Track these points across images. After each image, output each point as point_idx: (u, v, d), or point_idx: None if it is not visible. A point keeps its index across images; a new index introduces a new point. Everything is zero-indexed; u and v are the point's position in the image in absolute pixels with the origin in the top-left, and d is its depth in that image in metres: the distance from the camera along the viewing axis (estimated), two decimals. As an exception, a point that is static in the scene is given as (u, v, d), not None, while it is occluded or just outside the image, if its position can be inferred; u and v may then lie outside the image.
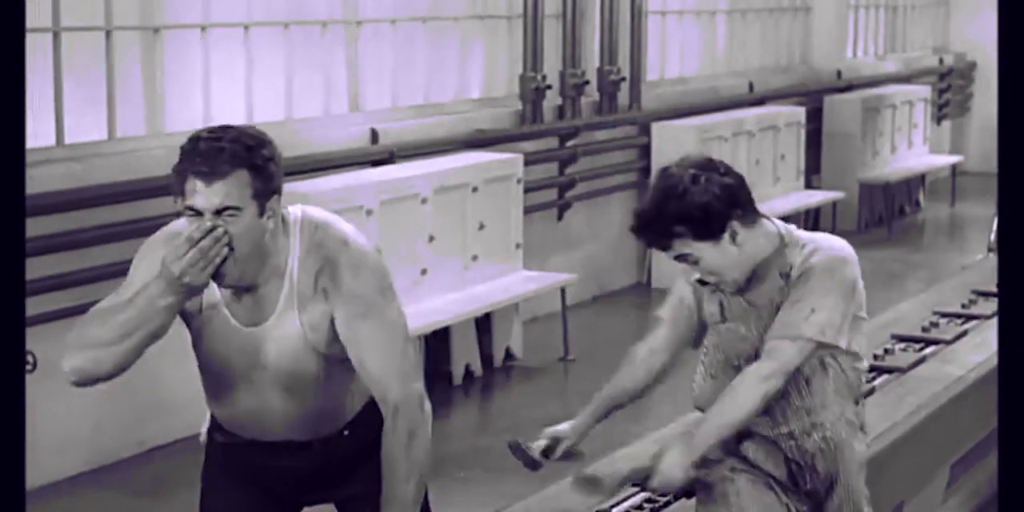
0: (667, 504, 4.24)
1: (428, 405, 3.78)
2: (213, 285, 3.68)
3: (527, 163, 10.00)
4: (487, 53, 10.91)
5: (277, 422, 3.87)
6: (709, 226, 3.90)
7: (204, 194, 3.56)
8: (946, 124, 18.19)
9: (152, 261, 3.71)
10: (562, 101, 11.10)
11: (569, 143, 11.05)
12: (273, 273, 3.71)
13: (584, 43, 11.37)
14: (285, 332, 3.74)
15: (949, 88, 18.18)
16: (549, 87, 10.76)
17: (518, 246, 9.62)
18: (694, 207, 3.87)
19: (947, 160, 16.54)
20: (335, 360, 3.77)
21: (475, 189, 9.09)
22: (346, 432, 3.90)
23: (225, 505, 4.03)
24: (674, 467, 3.92)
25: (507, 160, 9.67)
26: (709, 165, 3.96)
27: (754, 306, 4.03)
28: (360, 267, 3.72)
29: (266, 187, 3.60)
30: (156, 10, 8.14)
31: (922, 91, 16.24)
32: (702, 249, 3.93)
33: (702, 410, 4.12)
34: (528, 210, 10.05)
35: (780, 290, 3.99)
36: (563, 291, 9.78)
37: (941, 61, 18.21)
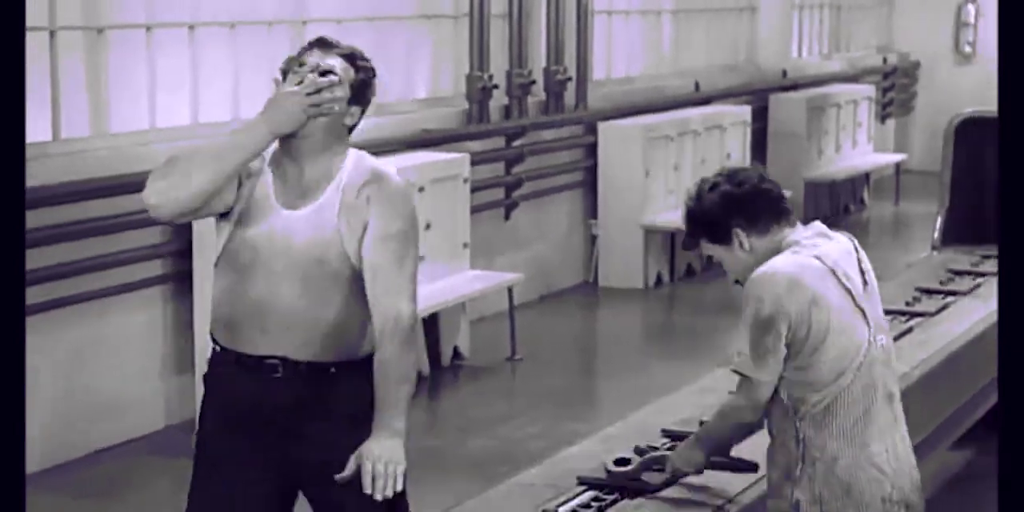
0: (613, 502, 4.26)
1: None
2: (265, 158, 4.03)
3: (474, 163, 10.01)
4: (433, 53, 10.91)
5: (278, 320, 3.98)
6: (715, 232, 4.17)
7: (318, 56, 4.07)
8: (890, 123, 18.30)
9: None
10: (508, 101, 11.11)
11: (516, 142, 11.06)
12: (326, 168, 4.02)
13: (530, 43, 11.38)
14: (322, 221, 3.98)
15: (893, 87, 18.29)
16: (496, 87, 10.77)
17: (465, 246, 9.62)
18: (700, 213, 4.19)
19: (891, 159, 16.65)
20: (358, 276, 3.98)
21: (422, 189, 9.09)
22: (333, 369, 4.00)
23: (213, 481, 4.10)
24: (683, 462, 4.30)
25: (454, 160, 9.67)
26: (731, 174, 4.21)
27: None
28: (403, 194, 4.06)
29: (358, 92, 4.08)
30: (100, 10, 8.11)
31: (866, 90, 16.34)
32: (717, 251, 4.21)
33: None
34: (475, 209, 10.05)
35: None
36: (510, 290, 9.79)
37: (885, 60, 18.32)
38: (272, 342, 3.99)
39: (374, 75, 4.18)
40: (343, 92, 4.03)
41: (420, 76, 10.81)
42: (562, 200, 11.82)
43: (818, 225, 4.19)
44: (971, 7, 18.64)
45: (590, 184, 11.98)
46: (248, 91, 9.08)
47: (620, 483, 4.37)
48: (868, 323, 4.07)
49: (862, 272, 4.14)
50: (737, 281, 4.20)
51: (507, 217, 11.09)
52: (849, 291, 4.06)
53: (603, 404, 8.98)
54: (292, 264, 3.96)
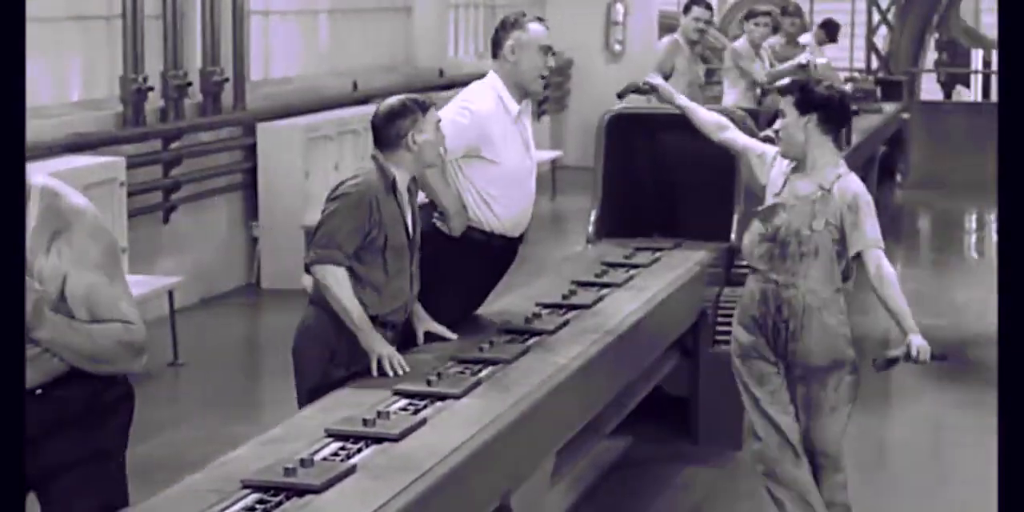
0: (279, 504, 4.26)
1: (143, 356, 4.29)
2: None
3: (130, 166, 9.87)
4: (85, 54, 10.71)
5: None
6: (822, 113, 6.03)
7: None
8: (545, 120, 18.65)
9: None
10: (165, 103, 10.98)
11: (173, 145, 10.94)
12: None
13: (186, 44, 11.27)
14: None
15: (548, 85, 18.61)
16: (151, 89, 10.63)
17: (123, 250, 9.47)
18: (819, 94, 6.05)
19: (547, 155, 16.97)
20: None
21: (77, 193, 8.91)
22: (39, 391, 4.05)
23: None
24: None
25: (109, 163, 9.52)
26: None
27: None
28: (94, 235, 4.09)
29: None
30: None
31: (522, 88, 16.58)
32: (792, 116, 6.05)
33: None
34: (132, 214, 9.92)
35: None
36: (171, 294, 9.68)
37: (540, 59, 18.63)
38: None
39: None
40: None
41: (72, 78, 10.61)
42: (222, 202, 11.73)
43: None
44: (620, 6, 19.13)
45: (250, 186, 11.92)
46: None
47: None
48: None
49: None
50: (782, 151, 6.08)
51: (166, 220, 10.96)
52: None
53: (267, 406, 8.96)
54: None
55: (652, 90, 6.75)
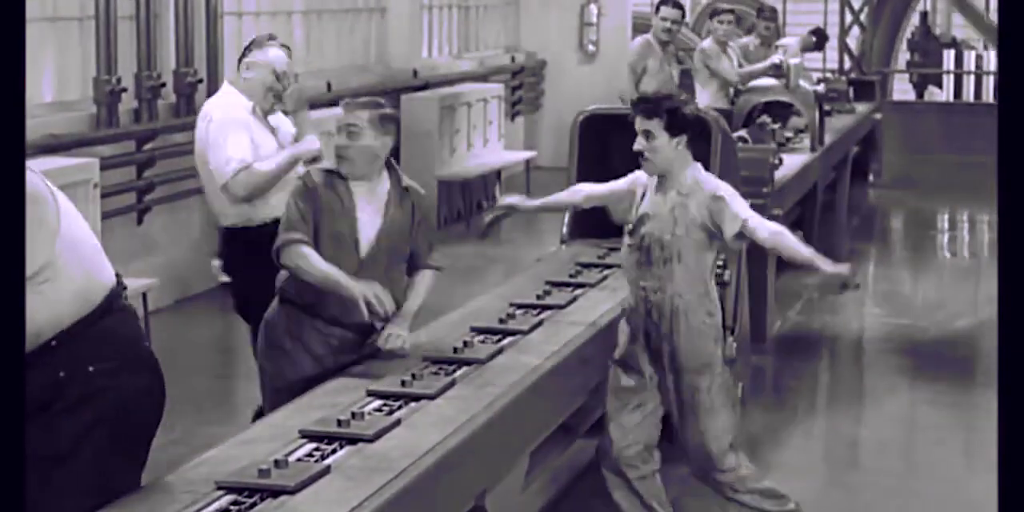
0: (252, 506, 4.26)
1: None
2: None
3: (104, 167, 9.85)
4: (59, 56, 10.70)
5: None
6: (691, 131, 6.15)
7: None
8: (519, 120, 18.67)
9: None
10: (138, 104, 10.96)
11: (146, 146, 10.92)
12: None
13: (159, 45, 11.25)
14: None
15: (521, 86, 18.67)
16: (124, 90, 10.61)
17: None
18: (689, 113, 6.13)
19: (521, 156, 16.99)
20: None
21: (50, 195, 8.90)
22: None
23: None
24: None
25: (82, 165, 9.50)
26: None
27: None
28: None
29: None
30: None
31: (496, 89, 16.62)
32: (662, 137, 6.11)
33: None
34: (106, 215, 9.90)
35: None
36: (145, 296, 9.67)
37: (513, 59, 18.68)
38: None
39: None
40: None
41: (46, 80, 10.59)
42: (196, 204, 11.70)
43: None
44: (594, 7, 19.16)
45: (224, 187, 11.88)
46: None
47: None
48: None
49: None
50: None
51: (140, 222, 10.95)
52: None
53: (242, 407, 8.94)
54: None
55: (510, 211, 6.79)
